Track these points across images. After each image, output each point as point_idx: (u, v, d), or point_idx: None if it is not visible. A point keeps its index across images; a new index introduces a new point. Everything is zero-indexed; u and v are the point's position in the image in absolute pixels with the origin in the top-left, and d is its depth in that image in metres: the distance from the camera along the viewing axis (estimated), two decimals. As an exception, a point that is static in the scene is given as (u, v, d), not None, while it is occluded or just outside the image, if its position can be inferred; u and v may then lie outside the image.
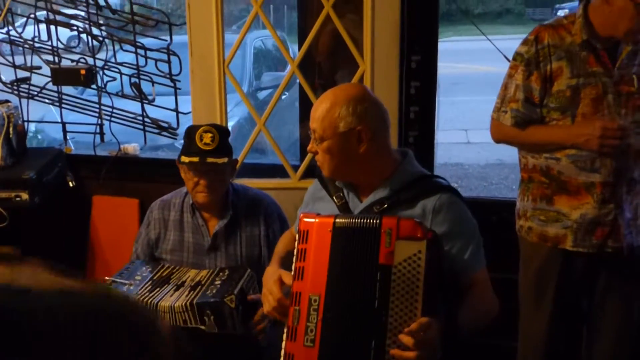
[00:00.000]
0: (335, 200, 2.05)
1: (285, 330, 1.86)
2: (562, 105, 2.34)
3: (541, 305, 2.53)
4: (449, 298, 1.89)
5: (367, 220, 1.83)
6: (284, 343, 1.85)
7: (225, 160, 2.45)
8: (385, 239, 1.79)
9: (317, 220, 1.89)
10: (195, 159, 2.41)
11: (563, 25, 2.36)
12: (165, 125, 3.40)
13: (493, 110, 2.51)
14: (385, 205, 1.95)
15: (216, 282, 2.31)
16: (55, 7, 3.29)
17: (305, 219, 1.90)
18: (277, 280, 1.95)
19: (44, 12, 3.31)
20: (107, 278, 2.36)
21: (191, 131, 2.48)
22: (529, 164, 2.48)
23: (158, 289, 2.32)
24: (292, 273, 1.88)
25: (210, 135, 2.43)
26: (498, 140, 2.57)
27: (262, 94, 6.32)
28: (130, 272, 2.41)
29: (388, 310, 1.74)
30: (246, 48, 6.41)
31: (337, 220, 1.87)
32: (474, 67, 11.26)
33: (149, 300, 2.24)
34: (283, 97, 6.69)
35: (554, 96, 2.35)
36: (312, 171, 3.17)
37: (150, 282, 2.35)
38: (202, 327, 2.10)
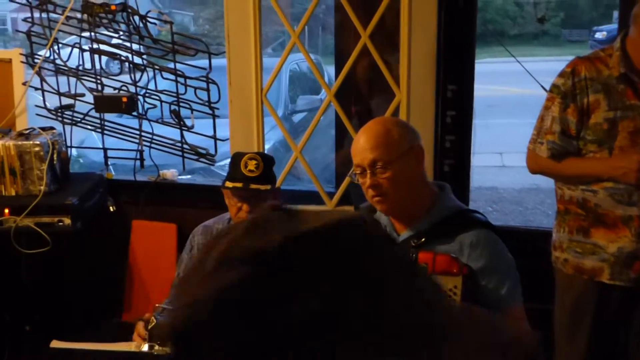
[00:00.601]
0: None
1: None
2: (599, 138, 2.34)
3: (577, 338, 2.51)
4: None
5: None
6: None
7: (268, 187, 2.50)
8: None
9: None
10: (239, 185, 2.48)
11: (600, 58, 2.36)
12: (204, 151, 3.46)
13: (529, 142, 2.51)
14: (423, 240, 1.96)
15: None
16: (99, 36, 3.39)
17: None
18: None
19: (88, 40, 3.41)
20: (157, 305, 2.38)
21: (236, 158, 2.55)
22: (565, 195, 2.47)
23: None
24: None
25: (254, 162, 2.49)
26: (534, 171, 2.57)
27: (297, 117, 6.38)
28: None
29: None
30: (282, 72, 6.48)
31: None
32: (509, 90, 11.18)
33: None
34: (318, 120, 6.75)
35: (591, 129, 2.35)
36: (347, 198, 3.20)
37: None
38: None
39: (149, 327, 2.29)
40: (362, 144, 1.98)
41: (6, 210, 3.03)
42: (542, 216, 6.32)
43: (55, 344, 2.04)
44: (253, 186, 2.47)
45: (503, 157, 8.37)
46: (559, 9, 15.20)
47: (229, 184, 2.51)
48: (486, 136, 8.60)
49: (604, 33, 12.77)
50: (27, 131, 3.18)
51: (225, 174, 4.75)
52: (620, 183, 2.30)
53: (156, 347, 2.02)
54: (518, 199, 6.90)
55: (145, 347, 2.04)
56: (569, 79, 2.37)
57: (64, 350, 2.03)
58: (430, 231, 1.97)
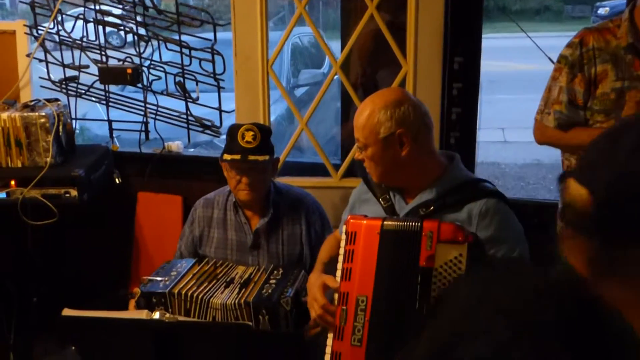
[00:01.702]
0: (382, 202, 2.08)
1: (332, 329, 1.89)
2: (606, 108, 2.33)
3: None
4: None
5: (409, 223, 1.86)
6: (330, 341, 1.89)
7: (267, 158, 2.49)
8: (426, 242, 1.81)
9: (365, 222, 1.92)
10: (237, 157, 2.46)
11: (608, 29, 2.35)
12: (209, 123, 3.46)
13: (537, 112, 2.51)
14: (432, 208, 1.97)
15: (271, 281, 2.35)
16: (103, 7, 3.36)
17: (354, 221, 1.93)
18: (321, 286, 1.99)
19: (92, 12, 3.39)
20: (143, 278, 2.41)
21: (233, 130, 2.52)
22: (572, 165, 2.48)
23: (206, 284, 2.36)
24: (340, 273, 1.92)
25: (252, 133, 2.47)
26: (541, 142, 2.57)
27: (299, 92, 6.36)
28: (165, 270, 2.46)
29: None
30: (284, 46, 6.45)
31: (385, 222, 1.89)
32: (511, 65, 11.16)
33: (200, 296, 2.28)
34: (319, 94, 6.73)
35: (598, 99, 2.34)
36: (352, 170, 3.20)
37: (192, 277, 2.40)
38: (249, 324, 2.14)
39: (135, 298, 2.32)
40: (354, 120, 2.03)
41: (12, 182, 3.03)
42: (544, 191, 6.34)
43: (66, 312, 2.05)
44: (251, 157, 2.45)
45: (505, 133, 8.37)
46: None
47: (226, 157, 2.49)
48: (488, 112, 8.57)
49: (607, 9, 12.70)
50: (33, 103, 3.17)
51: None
52: None
53: (167, 315, 2.03)
54: (520, 174, 6.91)
55: (156, 315, 2.05)
56: (576, 49, 2.36)
57: (75, 318, 2.04)
58: (438, 200, 1.98)
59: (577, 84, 2.36)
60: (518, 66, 11.01)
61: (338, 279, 1.94)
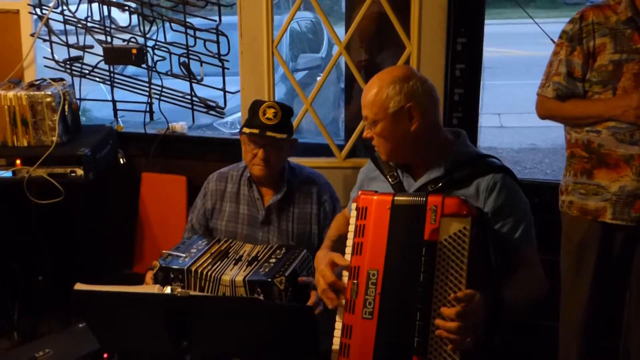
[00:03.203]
0: (390, 180, 2.10)
1: (343, 302, 1.93)
2: (604, 79, 2.42)
3: (582, 278, 2.60)
4: (496, 276, 1.94)
5: (416, 198, 1.89)
6: (341, 315, 1.92)
7: (284, 136, 2.54)
8: (430, 216, 1.84)
9: (376, 197, 1.94)
10: (256, 131, 2.51)
11: (609, 6, 2.45)
12: (213, 104, 3.48)
13: (538, 88, 2.59)
14: (440, 185, 2.00)
15: (271, 260, 2.38)
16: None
17: (364, 196, 1.96)
18: (329, 263, 2.01)
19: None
20: (164, 251, 2.44)
21: (256, 105, 2.57)
22: (572, 139, 2.57)
23: (219, 262, 2.39)
24: (350, 249, 1.94)
25: (273, 110, 2.52)
26: (542, 115, 2.63)
27: (298, 76, 6.38)
28: (186, 246, 2.49)
29: (433, 284, 1.79)
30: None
31: (396, 198, 1.92)
32: (505, 51, 11.18)
33: (212, 274, 2.31)
34: (318, 78, 6.75)
35: (596, 70, 2.43)
36: (355, 151, 3.24)
37: (209, 256, 2.43)
38: (260, 298, 2.17)
39: (154, 271, 2.35)
40: (362, 97, 2.04)
41: (18, 161, 3.05)
42: (540, 175, 6.38)
43: (78, 286, 2.07)
44: (269, 133, 2.50)
45: (501, 118, 8.41)
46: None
47: (245, 130, 2.55)
48: (485, 97, 8.57)
49: (602, -5, 12.71)
50: (38, 82, 3.17)
51: (231, 131, 4.78)
52: (622, 122, 2.38)
53: (178, 290, 2.05)
54: (517, 159, 6.94)
55: (167, 290, 2.08)
56: (576, 23, 2.46)
57: (87, 292, 2.06)
58: (446, 176, 2.01)
59: (576, 56, 2.45)
60: (513, 52, 11.04)
61: (347, 256, 1.96)
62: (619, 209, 2.46)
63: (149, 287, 2.25)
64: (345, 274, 1.97)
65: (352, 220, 1.99)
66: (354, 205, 2.01)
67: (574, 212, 2.58)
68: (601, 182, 2.48)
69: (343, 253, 2.02)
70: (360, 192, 1.99)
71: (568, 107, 2.50)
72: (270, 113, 2.51)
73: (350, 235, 1.98)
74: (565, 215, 2.64)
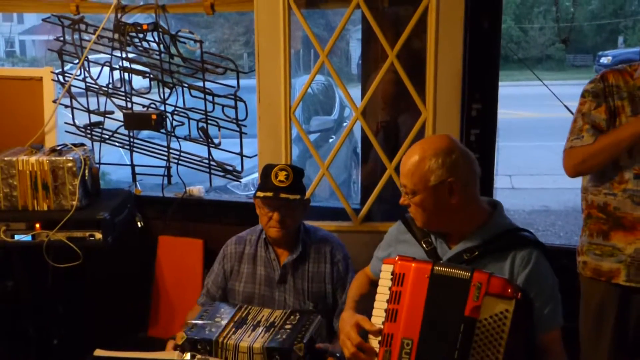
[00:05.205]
0: (424, 246, 2.09)
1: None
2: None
3: (601, 342, 2.58)
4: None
5: (460, 271, 1.87)
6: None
7: (297, 197, 2.60)
8: (474, 292, 1.82)
9: (414, 265, 1.93)
10: (270, 194, 2.58)
11: (627, 71, 2.54)
12: (230, 168, 3.52)
13: (565, 146, 2.58)
14: (476, 253, 1.99)
15: (286, 326, 2.38)
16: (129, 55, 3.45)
17: (402, 262, 1.94)
18: (354, 325, 2.00)
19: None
20: (189, 322, 2.39)
21: (267, 169, 2.66)
22: (588, 200, 2.59)
23: (239, 329, 2.38)
24: (381, 311, 1.93)
25: (285, 173, 2.60)
26: (573, 165, 2.55)
27: (311, 138, 6.45)
28: (209, 315, 2.47)
29: None
30: (295, 93, 6.55)
31: (436, 267, 1.91)
32: (514, 113, 11.28)
33: (232, 342, 2.29)
34: (330, 140, 6.82)
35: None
36: (370, 215, 3.25)
37: (232, 324, 2.41)
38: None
39: (181, 342, 2.32)
40: (401, 165, 2.05)
41: (37, 225, 3.07)
42: (553, 237, 6.36)
43: (98, 352, 2.07)
44: (283, 195, 2.57)
45: (512, 180, 8.44)
46: (563, 34, 15.33)
47: (259, 194, 2.62)
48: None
49: (609, 58, 12.88)
50: (60, 147, 3.23)
51: (245, 194, 4.82)
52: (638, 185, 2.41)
53: (198, 357, 2.05)
54: (529, 221, 6.93)
55: (187, 357, 2.07)
56: (599, 82, 2.53)
57: (107, 359, 2.06)
58: (482, 246, 2.00)
59: (602, 112, 2.49)
60: (521, 114, 11.14)
61: (374, 318, 1.95)
62: (633, 271, 2.47)
63: (169, 354, 2.24)
64: (371, 337, 1.96)
65: (383, 282, 1.96)
66: (386, 267, 1.98)
67: (587, 273, 2.59)
68: (617, 244, 2.50)
69: (365, 313, 2.01)
70: (398, 257, 1.97)
71: (597, 143, 2.47)
72: (282, 175, 2.58)
73: (380, 297, 1.96)
74: (582, 277, 2.64)
